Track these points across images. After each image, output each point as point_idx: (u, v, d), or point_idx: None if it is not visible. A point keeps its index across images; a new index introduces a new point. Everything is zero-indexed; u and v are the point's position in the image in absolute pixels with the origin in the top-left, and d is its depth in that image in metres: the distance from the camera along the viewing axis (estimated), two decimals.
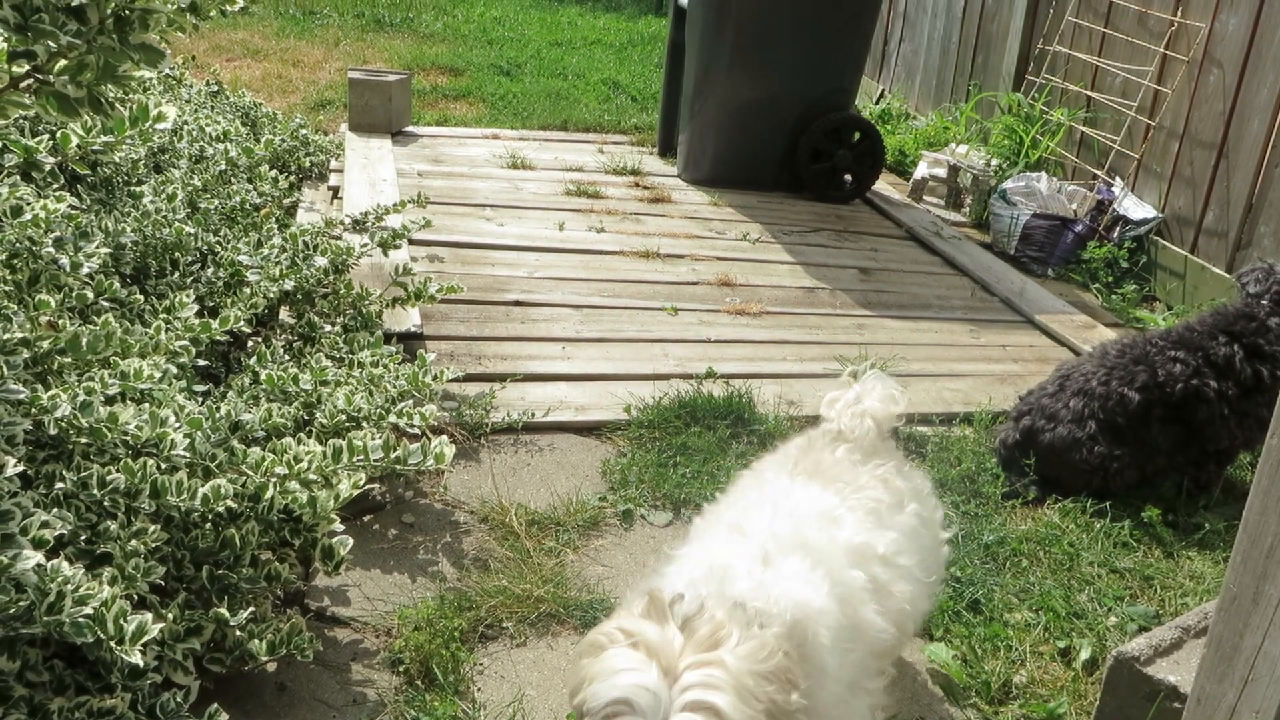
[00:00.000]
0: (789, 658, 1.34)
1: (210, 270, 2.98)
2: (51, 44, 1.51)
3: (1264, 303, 2.89)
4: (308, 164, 4.97)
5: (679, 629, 1.29)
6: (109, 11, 1.52)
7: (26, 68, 1.57)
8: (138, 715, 1.73)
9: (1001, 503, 2.91)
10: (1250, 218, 4.21)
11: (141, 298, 2.64)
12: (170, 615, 1.86)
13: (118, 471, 1.87)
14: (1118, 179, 4.93)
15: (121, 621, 1.62)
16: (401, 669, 2.14)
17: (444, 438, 2.42)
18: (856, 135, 5.39)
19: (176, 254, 2.97)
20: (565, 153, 5.83)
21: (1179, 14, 4.59)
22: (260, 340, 2.93)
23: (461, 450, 2.92)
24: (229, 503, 1.97)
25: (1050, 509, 2.89)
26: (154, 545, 1.87)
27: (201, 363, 2.57)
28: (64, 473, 1.87)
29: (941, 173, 5.63)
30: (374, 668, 2.16)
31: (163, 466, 1.95)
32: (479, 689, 2.12)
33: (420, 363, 2.81)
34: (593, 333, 3.70)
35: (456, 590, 2.38)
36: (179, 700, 1.76)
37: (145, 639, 1.63)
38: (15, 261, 2.31)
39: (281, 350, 2.81)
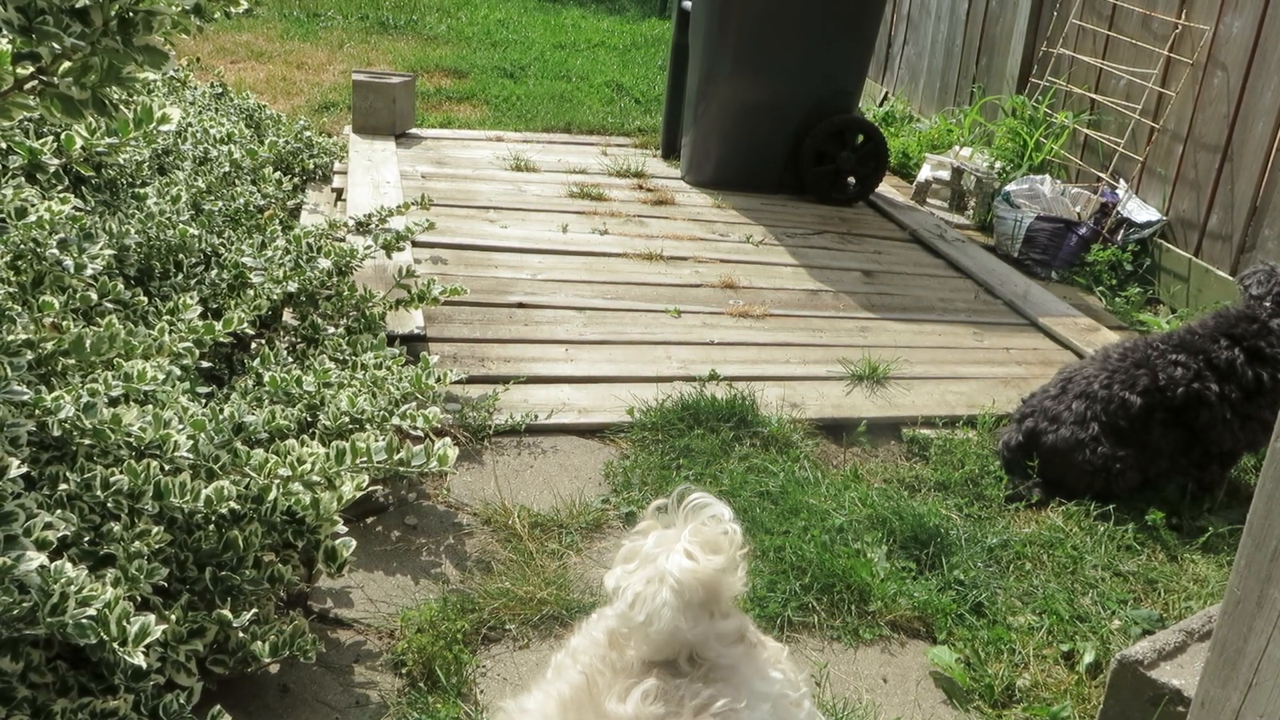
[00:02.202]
0: None
1: (214, 272, 2.98)
2: (55, 46, 1.52)
3: (1266, 305, 2.88)
4: (311, 166, 4.98)
5: None
6: (113, 13, 1.53)
7: (31, 69, 1.58)
8: (140, 717, 1.73)
9: (1005, 505, 2.91)
10: (1254, 220, 4.20)
11: (145, 299, 2.64)
12: (173, 617, 1.87)
13: (121, 473, 1.87)
14: (1121, 181, 4.93)
15: (124, 623, 1.62)
16: (404, 671, 2.14)
17: (447, 440, 2.42)
18: (860, 138, 5.38)
19: (180, 256, 2.98)
20: (569, 155, 5.84)
21: (1183, 16, 4.59)
22: (264, 342, 2.93)
23: (464, 452, 2.92)
24: (232, 504, 1.97)
25: (1054, 512, 2.89)
26: (157, 547, 1.87)
27: (205, 364, 2.57)
28: (67, 474, 1.87)
29: (945, 175, 5.63)
30: (377, 669, 2.16)
31: (166, 468, 1.95)
32: (482, 691, 2.12)
33: (423, 365, 2.81)
34: (596, 335, 3.70)
35: (459, 592, 2.38)
36: (182, 702, 1.76)
37: (148, 640, 1.63)
38: (20, 263, 2.31)
39: (285, 352, 2.81)
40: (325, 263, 3.10)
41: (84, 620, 1.58)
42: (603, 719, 1.22)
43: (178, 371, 2.31)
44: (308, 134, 5.12)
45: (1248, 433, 2.90)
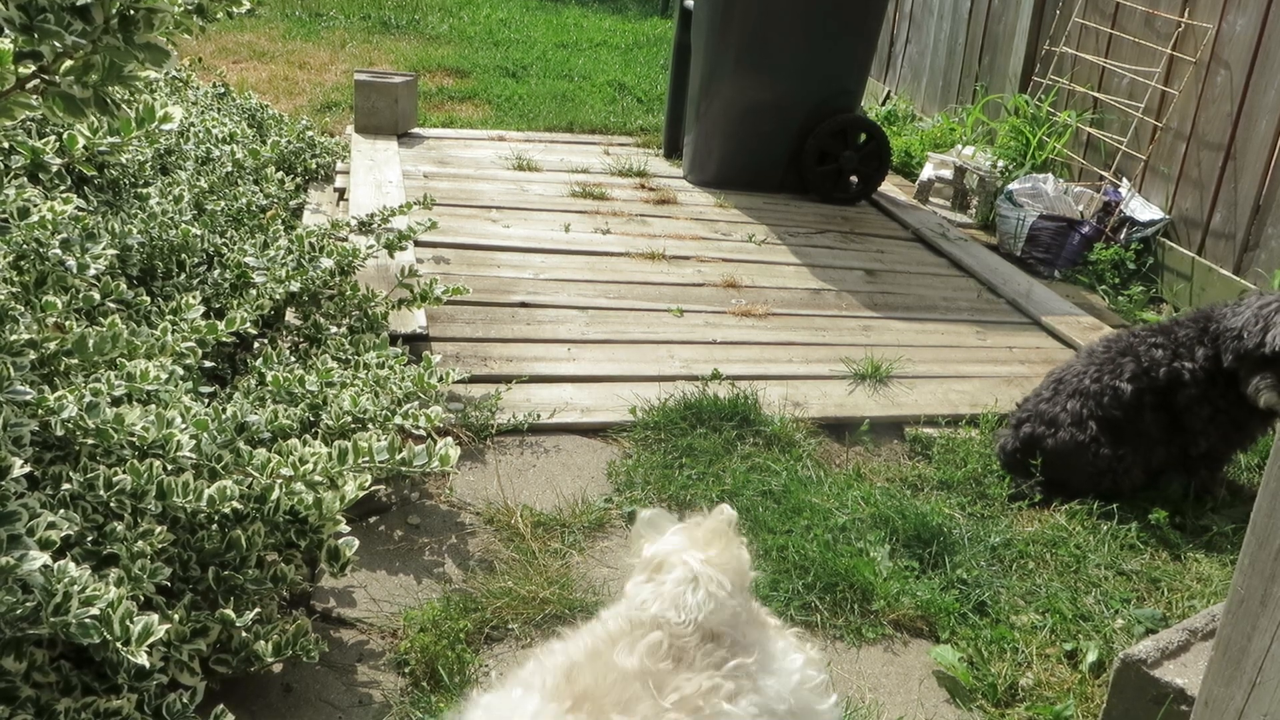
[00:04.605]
0: None
1: (216, 272, 2.98)
2: (57, 44, 1.52)
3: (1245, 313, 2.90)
4: (314, 166, 4.98)
5: None
6: (114, 11, 1.53)
7: (33, 68, 1.58)
8: (144, 716, 1.73)
9: (1008, 505, 2.90)
10: (1258, 219, 4.19)
11: (148, 299, 2.64)
12: (176, 616, 1.87)
13: (124, 472, 1.87)
14: (1124, 180, 4.92)
15: (128, 622, 1.62)
16: (407, 670, 2.14)
17: (449, 439, 2.42)
18: (862, 137, 5.38)
19: (183, 255, 2.98)
20: (571, 154, 5.84)
21: (1186, 15, 4.58)
22: (266, 342, 2.94)
23: (467, 452, 2.92)
24: (235, 504, 1.97)
25: (1057, 511, 2.89)
26: (160, 546, 1.87)
27: (208, 364, 2.57)
28: (70, 474, 1.87)
29: (948, 174, 5.63)
30: (380, 669, 2.16)
31: (169, 468, 1.95)
32: (484, 690, 2.12)
33: (426, 364, 2.81)
34: (598, 334, 3.70)
35: (462, 592, 2.38)
36: (185, 701, 1.76)
37: (151, 640, 1.63)
38: (22, 263, 2.31)
39: (287, 352, 2.81)
40: (328, 262, 3.10)
41: (87, 620, 1.58)
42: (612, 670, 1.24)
43: (180, 371, 2.31)
44: (310, 134, 5.12)
45: (1218, 426, 2.89)
